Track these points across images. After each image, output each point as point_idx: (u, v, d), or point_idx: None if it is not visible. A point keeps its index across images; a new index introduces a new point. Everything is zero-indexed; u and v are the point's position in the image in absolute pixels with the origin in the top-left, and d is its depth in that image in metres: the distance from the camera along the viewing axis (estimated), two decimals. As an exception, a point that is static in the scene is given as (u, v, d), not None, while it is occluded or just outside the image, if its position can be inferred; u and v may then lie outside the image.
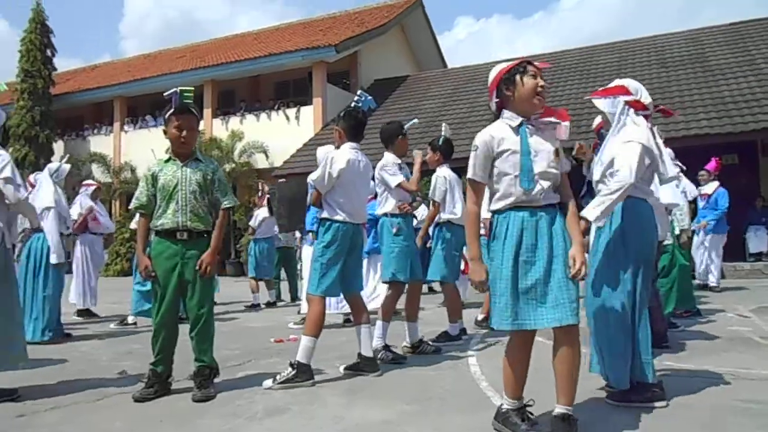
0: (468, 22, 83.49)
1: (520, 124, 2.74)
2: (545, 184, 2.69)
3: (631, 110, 3.37)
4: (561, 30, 77.06)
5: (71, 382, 3.99)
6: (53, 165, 6.45)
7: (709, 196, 9.03)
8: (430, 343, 4.95)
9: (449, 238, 5.32)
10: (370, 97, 4.54)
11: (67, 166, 6.46)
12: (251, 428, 3.00)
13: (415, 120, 5.67)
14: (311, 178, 4.11)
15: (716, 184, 9.03)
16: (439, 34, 76.36)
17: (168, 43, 32.76)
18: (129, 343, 5.70)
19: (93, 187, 8.11)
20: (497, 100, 2.83)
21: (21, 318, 3.80)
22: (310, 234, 6.45)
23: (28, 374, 4.21)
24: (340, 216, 4.05)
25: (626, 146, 3.21)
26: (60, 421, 3.16)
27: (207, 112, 20.23)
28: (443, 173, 5.39)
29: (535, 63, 2.80)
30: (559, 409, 2.67)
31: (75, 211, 7.64)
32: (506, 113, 2.79)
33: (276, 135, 18.31)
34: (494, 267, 2.71)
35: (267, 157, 18.31)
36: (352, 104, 4.41)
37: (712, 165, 9.08)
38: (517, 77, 2.75)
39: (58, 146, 22.20)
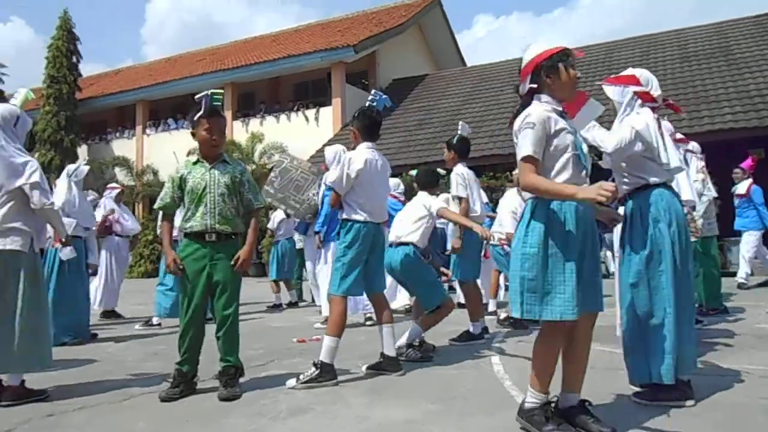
0: (487, 20, 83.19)
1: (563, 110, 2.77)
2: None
3: (639, 101, 3.35)
4: (581, 26, 76.42)
5: (98, 382, 4.05)
6: (72, 166, 6.55)
7: (743, 195, 8.79)
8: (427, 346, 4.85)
9: (468, 238, 5.28)
10: (385, 96, 4.53)
11: (86, 168, 6.55)
12: (275, 428, 3.01)
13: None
14: (328, 180, 4.11)
15: (749, 182, 8.80)
16: (458, 33, 75.46)
17: (188, 46, 33.30)
18: (154, 345, 5.77)
19: (117, 190, 8.24)
20: (533, 84, 2.77)
21: (48, 321, 3.85)
22: (317, 235, 6.50)
23: (57, 375, 4.29)
24: (361, 216, 4.05)
25: (619, 126, 3.31)
26: (87, 421, 3.21)
27: (227, 114, 20.38)
28: (460, 170, 5.37)
29: (573, 51, 2.76)
30: (577, 397, 2.73)
31: (99, 214, 7.74)
32: (544, 97, 2.75)
33: (296, 136, 18.40)
34: (554, 256, 2.60)
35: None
36: (367, 104, 4.39)
37: (747, 163, 8.81)
38: (561, 65, 2.71)
39: (83, 150, 22.56)
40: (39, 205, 3.60)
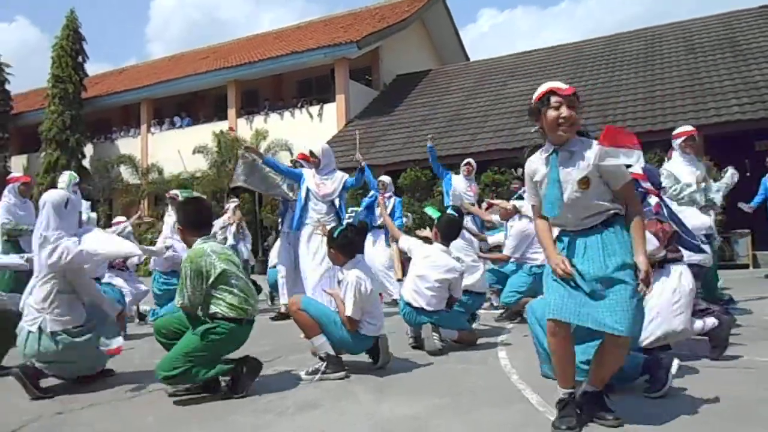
0: (492, 14, 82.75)
1: (552, 152, 2.79)
2: (573, 211, 2.75)
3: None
4: (587, 18, 75.89)
5: (108, 380, 4.07)
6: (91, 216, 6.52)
7: None
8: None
9: None
10: (360, 209, 4.78)
11: (94, 216, 6.83)
12: (282, 424, 3.02)
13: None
14: (350, 313, 4.01)
15: None
16: (462, 27, 75.29)
17: (193, 44, 33.29)
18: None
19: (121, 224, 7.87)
20: (539, 128, 2.88)
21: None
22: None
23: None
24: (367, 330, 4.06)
25: None
26: (96, 418, 3.23)
27: (231, 112, 20.42)
28: None
29: (560, 90, 2.75)
30: (591, 387, 2.85)
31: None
32: (546, 143, 2.86)
33: (300, 133, 18.40)
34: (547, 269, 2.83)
35: (291, 154, 18.41)
36: (345, 223, 4.63)
37: None
38: (542, 110, 2.78)
39: (88, 149, 22.62)
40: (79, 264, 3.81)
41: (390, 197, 8.02)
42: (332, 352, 3.94)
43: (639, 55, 16.99)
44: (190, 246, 3.68)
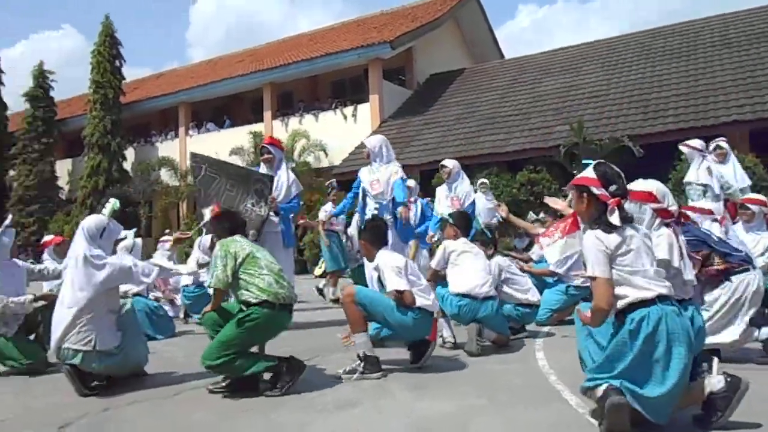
0: (531, 9, 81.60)
1: None
2: None
3: (658, 220, 3.20)
4: (629, 13, 74.12)
5: (151, 377, 4.18)
6: (128, 242, 6.29)
7: None
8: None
9: None
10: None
11: (140, 241, 6.52)
12: (323, 421, 3.06)
13: None
14: (394, 287, 4.04)
15: None
16: (500, 24, 74.11)
17: (232, 47, 33.83)
18: (202, 340, 5.89)
19: (168, 243, 7.98)
20: None
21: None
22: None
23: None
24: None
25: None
26: (141, 414, 3.32)
27: (267, 114, 20.66)
28: None
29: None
30: None
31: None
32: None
33: (334, 133, 18.54)
34: None
35: (326, 155, 18.55)
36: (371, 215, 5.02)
37: None
38: None
39: (129, 153, 23.18)
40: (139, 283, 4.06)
41: (415, 201, 7.98)
42: (371, 353, 3.95)
43: (674, 51, 16.59)
44: None
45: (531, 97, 17.23)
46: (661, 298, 2.68)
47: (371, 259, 4.31)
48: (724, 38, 16.29)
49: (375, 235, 4.31)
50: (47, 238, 7.34)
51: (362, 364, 3.89)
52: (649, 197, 3.22)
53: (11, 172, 24.27)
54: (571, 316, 5.78)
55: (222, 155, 18.82)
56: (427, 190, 10.65)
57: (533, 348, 4.73)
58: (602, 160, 3.00)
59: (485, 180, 10.21)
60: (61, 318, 3.75)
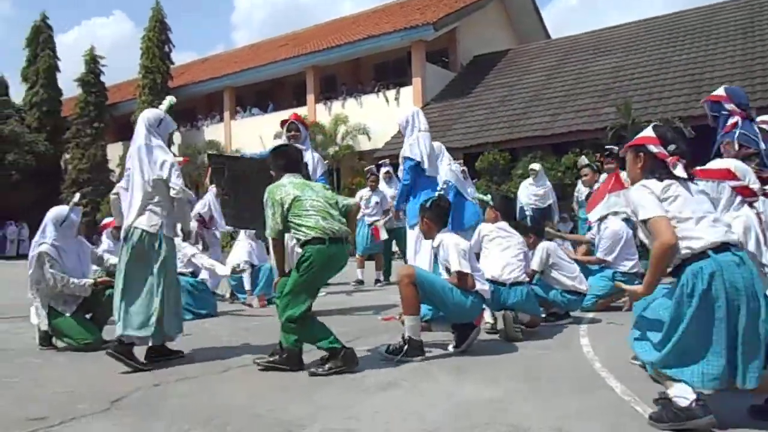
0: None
1: None
2: None
3: (738, 198, 3.04)
4: None
5: (197, 355, 4.30)
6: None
7: None
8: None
9: None
10: (452, 184, 5.16)
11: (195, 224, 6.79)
12: (366, 402, 3.09)
13: None
14: (457, 267, 4.06)
15: None
16: (548, 3, 72.67)
17: (277, 31, 33.98)
18: (245, 321, 6.04)
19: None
20: None
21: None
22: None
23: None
24: None
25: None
26: (189, 390, 3.42)
27: (310, 98, 20.79)
28: None
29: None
30: None
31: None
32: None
33: (377, 117, 18.53)
34: None
35: (369, 139, 18.58)
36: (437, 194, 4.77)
37: None
38: None
39: (176, 137, 23.70)
40: (178, 193, 4.02)
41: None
42: (417, 338, 3.96)
43: (738, 28, 15.88)
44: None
45: (578, 78, 16.83)
46: (716, 249, 2.48)
47: (430, 238, 4.34)
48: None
49: (438, 215, 4.31)
50: (106, 220, 7.65)
51: (406, 347, 3.90)
52: (727, 174, 3.09)
53: (66, 156, 25.16)
54: (616, 302, 5.70)
55: (266, 139, 19.10)
56: (471, 173, 10.56)
57: (577, 334, 4.67)
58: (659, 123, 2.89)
59: (536, 166, 9.99)
60: (131, 202, 4.03)
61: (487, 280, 4.53)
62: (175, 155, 6.65)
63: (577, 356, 3.94)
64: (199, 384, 3.55)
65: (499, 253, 4.76)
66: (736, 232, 2.86)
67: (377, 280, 9.05)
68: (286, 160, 4.07)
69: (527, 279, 4.87)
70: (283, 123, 6.32)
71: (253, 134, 20.24)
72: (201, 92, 24.54)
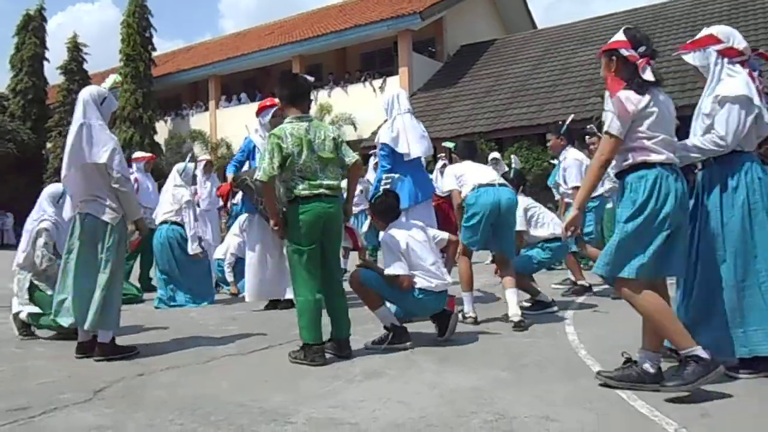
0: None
1: None
2: None
3: (725, 59, 3.09)
4: None
5: (183, 344, 4.27)
6: (180, 165, 6.88)
7: None
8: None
9: None
10: (397, 176, 4.86)
11: (192, 165, 6.82)
12: (351, 390, 3.09)
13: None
14: (391, 272, 4.00)
15: None
16: (536, -7, 72.56)
17: (265, 18, 33.65)
18: (232, 310, 6.00)
19: (204, 162, 8.47)
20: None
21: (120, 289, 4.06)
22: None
23: (144, 336, 4.56)
24: (433, 283, 4.05)
25: (724, 107, 3.01)
26: (174, 380, 3.39)
27: (296, 86, 20.63)
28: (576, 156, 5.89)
29: None
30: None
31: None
32: None
33: (363, 106, 18.47)
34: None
35: (355, 128, 18.53)
36: (382, 189, 4.52)
37: None
38: None
39: (161, 126, 23.45)
40: (117, 182, 3.83)
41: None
42: (396, 323, 3.98)
43: (722, 17, 15.99)
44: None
45: (564, 68, 16.87)
46: (664, 165, 2.81)
47: (383, 230, 4.29)
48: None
49: (384, 211, 4.25)
50: (138, 154, 8.10)
51: (390, 335, 3.92)
52: (710, 40, 3.14)
53: (48, 144, 24.83)
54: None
55: (252, 127, 18.91)
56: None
57: (563, 322, 4.69)
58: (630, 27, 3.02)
59: (495, 154, 10.00)
60: (73, 186, 3.90)
61: (477, 185, 4.66)
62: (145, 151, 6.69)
63: (563, 344, 3.96)
64: (183, 373, 3.52)
65: (477, 170, 4.84)
66: (738, 86, 2.99)
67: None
68: (292, 90, 3.86)
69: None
70: (261, 108, 6.17)
71: (239, 123, 19.91)
72: (186, 81, 24.30)
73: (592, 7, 66.38)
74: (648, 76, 2.77)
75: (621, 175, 2.95)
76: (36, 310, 4.60)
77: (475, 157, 5.17)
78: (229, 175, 5.95)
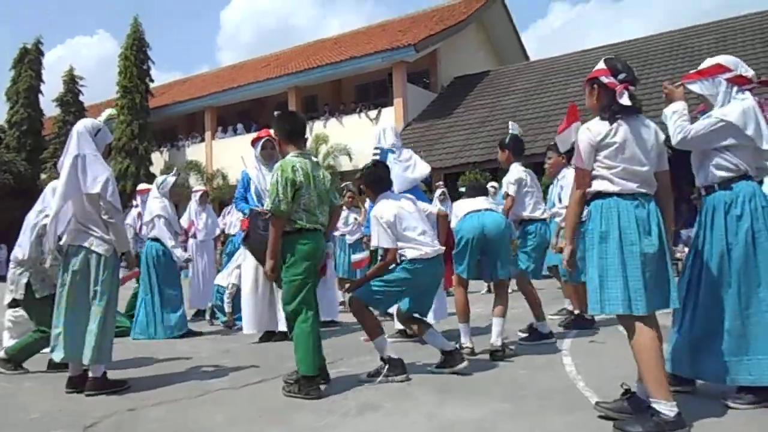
0: (563, 9, 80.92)
1: None
2: None
3: (734, 87, 3.14)
4: (664, 11, 72.88)
5: (174, 378, 4.20)
6: (159, 178, 6.95)
7: None
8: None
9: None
10: (387, 148, 4.94)
11: (172, 179, 6.82)
12: (346, 424, 3.03)
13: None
14: (378, 244, 4.06)
15: None
16: (531, 24, 73.88)
17: (263, 51, 33.97)
18: (225, 343, 5.93)
19: (200, 193, 8.46)
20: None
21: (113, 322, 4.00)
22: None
23: (136, 370, 4.48)
24: (422, 251, 3.99)
25: (709, 117, 3.10)
26: (166, 414, 3.33)
27: (292, 117, 20.79)
28: (516, 170, 5.36)
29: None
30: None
31: (185, 220, 8.11)
32: None
33: (359, 137, 18.55)
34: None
35: (351, 159, 18.60)
36: (372, 160, 4.56)
37: None
38: None
39: (156, 157, 23.49)
40: (107, 213, 3.81)
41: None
42: (395, 356, 3.92)
43: (710, 50, 16.27)
44: (284, 156, 3.90)
45: (557, 99, 17.06)
46: (622, 195, 2.85)
47: (373, 203, 4.29)
48: (765, 34, 15.89)
49: (374, 180, 4.27)
50: (142, 186, 7.93)
51: (386, 367, 3.86)
52: (719, 69, 3.19)
53: (43, 176, 24.80)
54: None
55: (247, 159, 18.96)
56: (452, 193, 10.59)
57: (560, 353, 4.64)
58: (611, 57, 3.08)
59: (494, 183, 10.07)
60: (63, 217, 3.82)
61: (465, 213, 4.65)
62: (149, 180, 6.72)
63: (561, 375, 3.92)
64: (175, 408, 3.46)
65: (471, 202, 4.79)
66: (733, 115, 3.03)
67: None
68: (292, 126, 3.95)
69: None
70: (255, 140, 6.18)
71: (235, 154, 20.01)
72: (182, 112, 24.43)
73: (589, 38, 67.65)
74: (625, 101, 2.81)
75: (587, 204, 3.02)
76: (12, 343, 4.51)
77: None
78: (246, 211, 5.80)
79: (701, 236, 3.17)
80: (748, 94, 3.13)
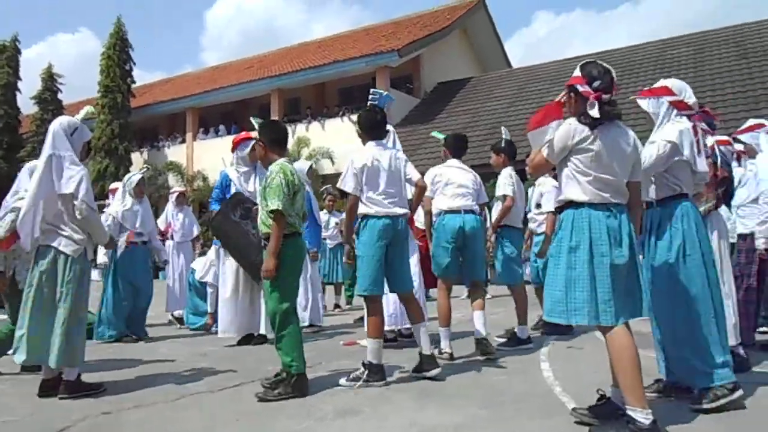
0: (547, 18, 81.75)
1: None
2: None
3: (674, 111, 3.35)
4: (648, 21, 73.89)
5: (152, 381, 4.15)
6: (127, 176, 6.91)
7: None
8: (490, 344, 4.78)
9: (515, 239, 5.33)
10: (386, 94, 4.80)
11: (138, 176, 6.73)
12: (323, 429, 3.02)
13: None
14: (341, 186, 4.08)
15: None
16: (515, 32, 74.49)
17: (247, 53, 33.66)
18: (202, 345, 5.88)
19: (176, 194, 8.37)
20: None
21: (84, 323, 3.93)
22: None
23: (112, 373, 4.42)
24: (372, 210, 4.00)
25: (651, 145, 3.29)
26: (143, 419, 3.29)
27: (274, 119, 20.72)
28: (509, 172, 5.39)
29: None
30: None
31: (162, 221, 8.05)
32: None
33: (341, 140, 18.54)
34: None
35: (333, 162, 18.57)
36: (369, 104, 4.45)
37: None
38: None
39: (136, 157, 23.22)
40: (81, 213, 3.75)
41: None
42: (377, 361, 3.90)
43: (688, 61, 16.55)
44: (268, 165, 3.96)
45: (539, 106, 17.17)
46: (594, 205, 2.85)
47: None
48: (740, 49, 16.17)
49: (366, 126, 4.33)
50: (113, 185, 7.59)
51: (366, 372, 3.85)
52: (665, 91, 3.38)
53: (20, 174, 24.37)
54: None
55: (228, 160, 18.84)
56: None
57: (538, 358, 4.68)
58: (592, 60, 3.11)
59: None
60: (34, 217, 3.74)
61: (443, 211, 4.74)
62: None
63: (538, 380, 3.95)
64: (152, 412, 3.42)
65: (459, 186, 4.89)
66: (671, 134, 3.22)
67: (336, 305, 8.95)
68: (276, 134, 4.06)
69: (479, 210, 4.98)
70: (242, 141, 6.15)
71: (216, 156, 19.91)
72: (163, 112, 24.20)
73: (571, 47, 68.46)
74: (594, 113, 2.81)
75: (559, 211, 3.06)
76: None
77: (461, 155, 5.28)
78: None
79: (647, 246, 3.36)
80: (684, 119, 3.31)
